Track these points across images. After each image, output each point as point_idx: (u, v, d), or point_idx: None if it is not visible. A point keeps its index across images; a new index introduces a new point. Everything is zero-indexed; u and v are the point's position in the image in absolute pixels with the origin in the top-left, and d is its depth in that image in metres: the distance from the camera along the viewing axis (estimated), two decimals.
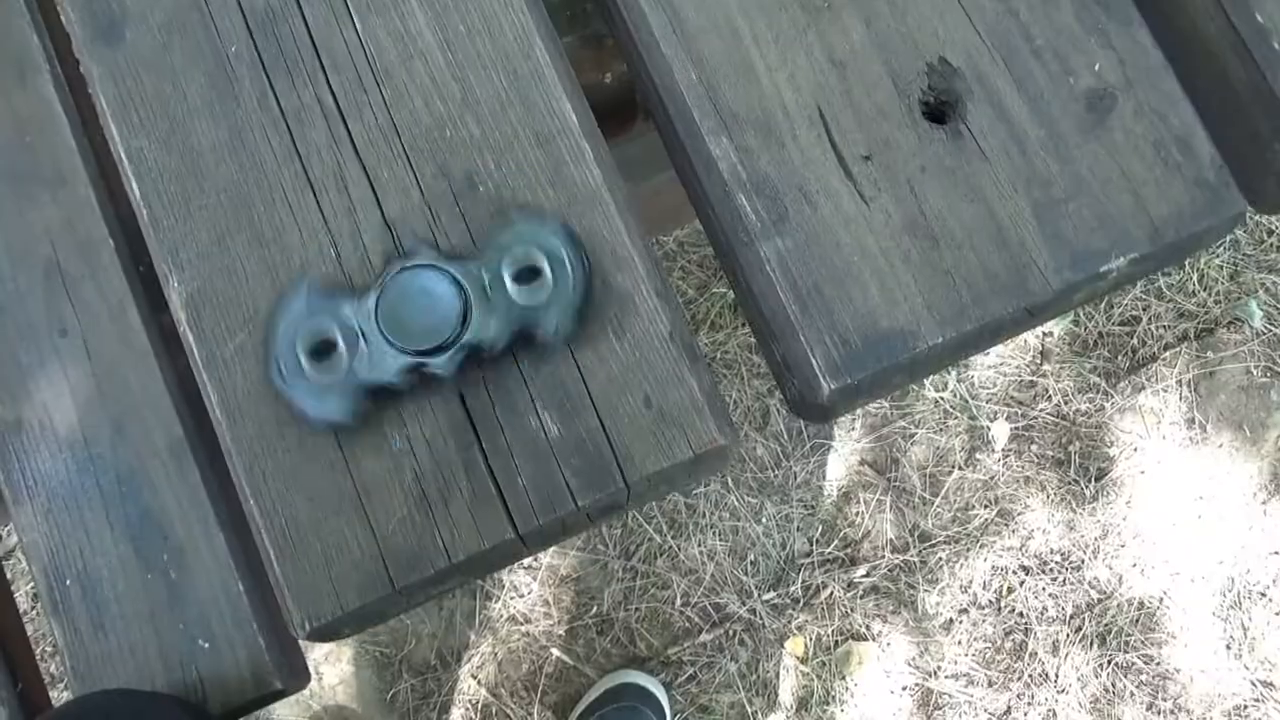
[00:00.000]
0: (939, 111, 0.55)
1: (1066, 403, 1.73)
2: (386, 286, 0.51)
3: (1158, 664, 1.64)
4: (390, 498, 0.52)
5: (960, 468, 1.72)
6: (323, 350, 0.51)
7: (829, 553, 1.71)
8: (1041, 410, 1.73)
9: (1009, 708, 1.64)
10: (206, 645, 0.55)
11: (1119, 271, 0.52)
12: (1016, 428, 1.72)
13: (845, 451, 1.74)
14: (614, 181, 0.55)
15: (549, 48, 0.56)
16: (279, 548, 0.52)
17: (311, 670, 1.24)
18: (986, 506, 1.70)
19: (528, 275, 0.51)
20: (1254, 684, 1.63)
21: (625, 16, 0.57)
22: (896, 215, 0.53)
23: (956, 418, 1.74)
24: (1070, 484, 1.70)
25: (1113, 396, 1.72)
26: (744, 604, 1.69)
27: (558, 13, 0.59)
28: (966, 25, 0.55)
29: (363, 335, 0.51)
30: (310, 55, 0.56)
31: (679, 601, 1.69)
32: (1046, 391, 1.72)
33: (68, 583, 0.55)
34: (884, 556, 1.70)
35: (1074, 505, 1.70)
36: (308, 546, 0.52)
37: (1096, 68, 0.54)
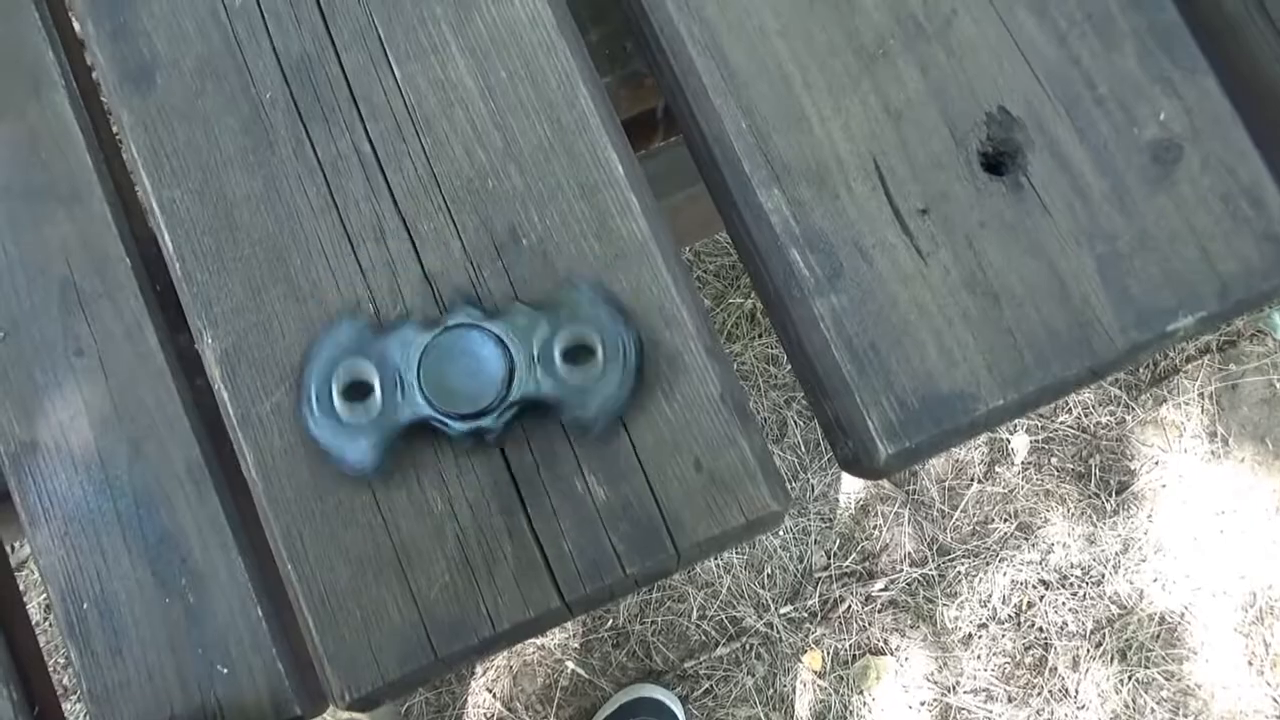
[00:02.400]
0: (998, 163, 0.53)
1: (1087, 415, 1.71)
2: (429, 348, 0.50)
3: (1179, 680, 1.62)
4: (432, 562, 0.50)
5: (979, 481, 1.70)
6: (358, 391, 0.50)
7: (846, 566, 1.70)
8: (1061, 423, 1.71)
9: None
10: (225, 670, 0.54)
11: (1186, 330, 0.51)
12: (1036, 440, 1.71)
13: None
14: (661, 234, 0.53)
15: (593, 94, 0.54)
16: (317, 614, 0.50)
17: None
18: (1006, 520, 1.69)
19: (579, 355, 0.50)
20: (1276, 700, 1.61)
21: (672, 63, 0.55)
22: (955, 271, 0.52)
23: None
24: (1091, 497, 1.68)
25: (1134, 409, 1.71)
26: (761, 618, 1.68)
27: (596, 52, 0.57)
28: (1026, 73, 0.53)
29: (400, 383, 0.50)
30: (348, 103, 0.54)
31: (695, 615, 1.68)
32: (1066, 403, 1.70)
33: (85, 606, 0.54)
34: (902, 570, 1.69)
35: (1094, 519, 1.68)
36: (347, 613, 0.50)
37: (1162, 117, 0.52)
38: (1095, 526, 1.68)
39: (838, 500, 1.73)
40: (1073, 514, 1.69)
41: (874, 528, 1.70)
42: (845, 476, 1.73)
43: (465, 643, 0.50)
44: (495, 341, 0.50)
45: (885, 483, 1.74)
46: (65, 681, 1.55)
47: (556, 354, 0.49)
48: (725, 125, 0.53)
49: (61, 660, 1.53)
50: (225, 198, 0.54)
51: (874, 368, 0.51)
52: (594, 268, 0.52)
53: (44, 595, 1.58)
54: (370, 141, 0.54)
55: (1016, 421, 1.72)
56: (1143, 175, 0.52)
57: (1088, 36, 0.54)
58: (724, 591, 1.70)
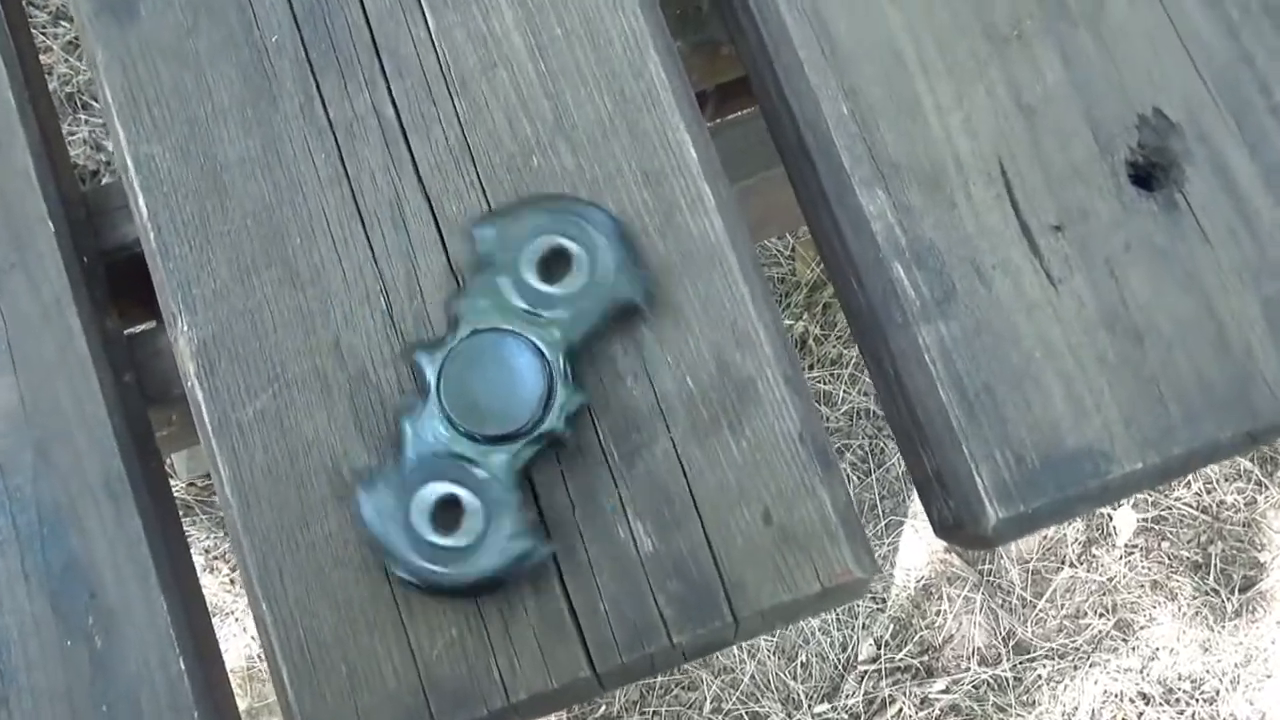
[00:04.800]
0: (1149, 175, 0.55)
1: (1209, 492, 1.72)
2: (454, 353, 0.51)
3: None
4: (438, 613, 0.52)
5: (1072, 564, 1.71)
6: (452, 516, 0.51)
7: (900, 659, 1.70)
8: (1178, 499, 1.72)
9: None
10: None
11: None
12: (1145, 519, 1.72)
13: (928, 535, 1.73)
14: (738, 235, 0.55)
15: (665, 62, 0.56)
16: (295, 667, 0.52)
17: None
18: (1102, 615, 1.69)
19: (556, 265, 0.51)
20: None
21: (760, 29, 0.57)
22: (1091, 303, 0.53)
23: None
24: (1208, 594, 1.69)
25: (1268, 489, 1.71)
26: (790, 717, 1.68)
27: (664, 11, 0.59)
28: (1189, 71, 0.55)
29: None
30: (369, 54, 0.56)
31: (708, 708, 1.68)
32: (1185, 476, 1.71)
33: None
34: (969, 669, 1.69)
35: (1211, 621, 1.69)
36: (331, 669, 0.51)
37: None
38: (1212, 631, 1.69)
39: (894, 576, 1.74)
40: (1185, 613, 1.69)
41: (937, 614, 1.71)
42: (905, 547, 1.74)
43: (472, 713, 0.51)
44: (533, 352, 0.51)
45: (955, 559, 1.75)
46: None
47: (533, 266, 0.51)
48: (823, 109, 0.55)
49: None
50: (215, 159, 0.56)
51: (987, 414, 0.52)
52: (654, 268, 0.54)
53: None
54: (393, 102, 0.56)
55: None
56: None
57: (1265, 32, 0.56)
58: (745, 681, 1.70)
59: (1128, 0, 0.56)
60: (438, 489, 0.50)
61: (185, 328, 0.54)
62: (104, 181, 1.76)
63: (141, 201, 0.55)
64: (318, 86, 0.56)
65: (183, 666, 0.54)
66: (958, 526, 0.54)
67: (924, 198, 0.54)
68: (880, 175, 0.54)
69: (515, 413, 0.51)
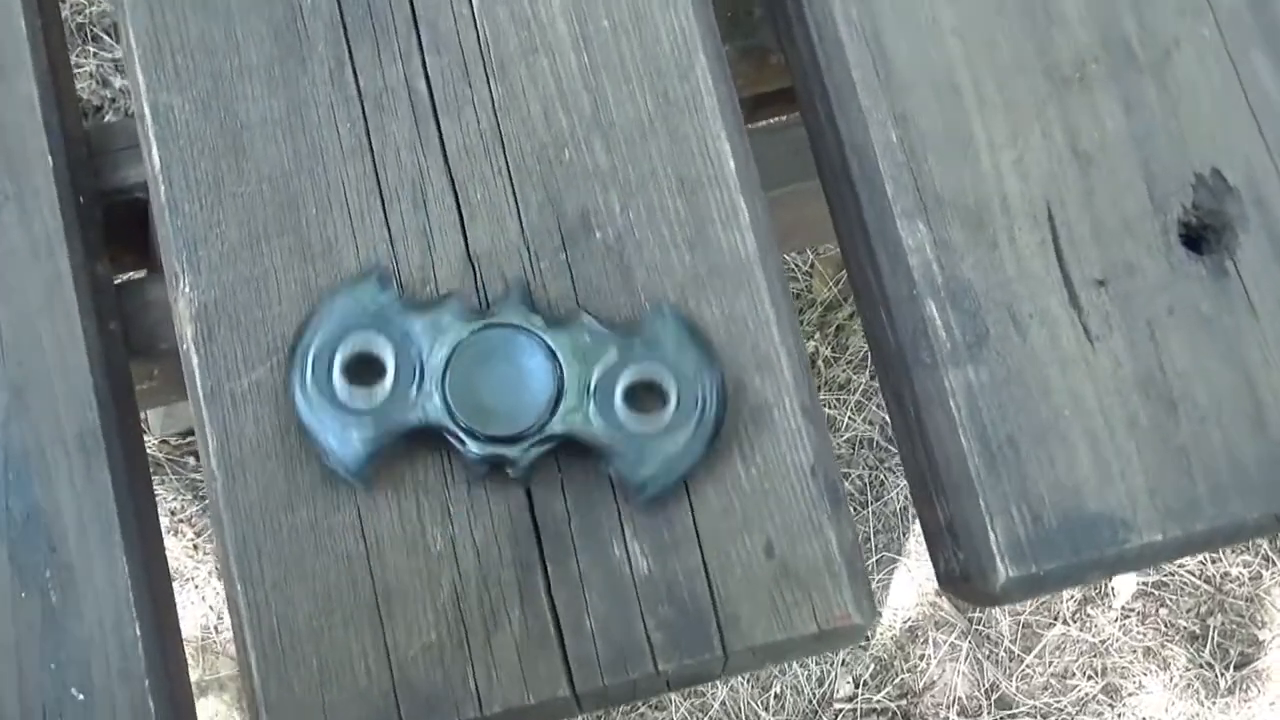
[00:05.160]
0: (1201, 238, 0.55)
1: (1213, 562, 1.72)
2: (464, 345, 0.51)
3: None
4: (419, 613, 0.52)
5: (1066, 621, 1.71)
6: (365, 369, 0.51)
7: (878, 701, 1.70)
8: (1180, 565, 1.72)
9: None
10: (81, 697, 0.54)
11: None
12: (1145, 583, 1.72)
13: (920, 575, 1.73)
14: (770, 254, 0.55)
15: (713, 67, 0.56)
16: (264, 654, 0.51)
17: None
18: (1090, 677, 1.69)
19: (645, 398, 0.51)
20: None
21: (815, 44, 0.57)
22: (1128, 364, 0.53)
23: None
24: (1202, 667, 1.69)
25: (1275, 565, 1.71)
26: None
27: (715, 12, 0.59)
28: (1254, 134, 0.55)
29: (419, 374, 0.51)
30: (407, 25, 0.56)
31: None
32: (1205, 552, 1.72)
33: None
34: (948, 718, 1.69)
35: (1203, 695, 1.69)
36: (302, 660, 0.51)
37: None
38: (1202, 705, 1.69)
39: (880, 615, 1.74)
40: (1177, 684, 1.69)
41: (921, 658, 1.71)
42: (896, 586, 1.73)
43: None
44: (547, 355, 0.51)
45: (945, 603, 1.75)
46: None
47: (618, 390, 0.51)
48: (871, 134, 0.55)
49: None
50: (236, 116, 0.55)
51: (1008, 467, 0.52)
52: (679, 282, 0.54)
53: None
54: (426, 77, 0.56)
55: None
56: None
57: None
58: (715, 708, 1.70)
59: (1197, 54, 0.56)
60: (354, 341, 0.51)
61: (187, 289, 0.54)
62: (108, 119, 1.76)
63: (155, 153, 0.55)
64: (350, 52, 0.56)
65: (138, 633, 0.54)
66: (964, 580, 0.54)
67: (966, 236, 0.54)
68: (923, 208, 0.54)
69: (518, 414, 0.51)
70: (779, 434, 0.53)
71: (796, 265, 1.77)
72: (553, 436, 0.51)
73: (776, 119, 0.86)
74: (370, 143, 0.55)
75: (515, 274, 0.54)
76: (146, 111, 0.55)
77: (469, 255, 0.54)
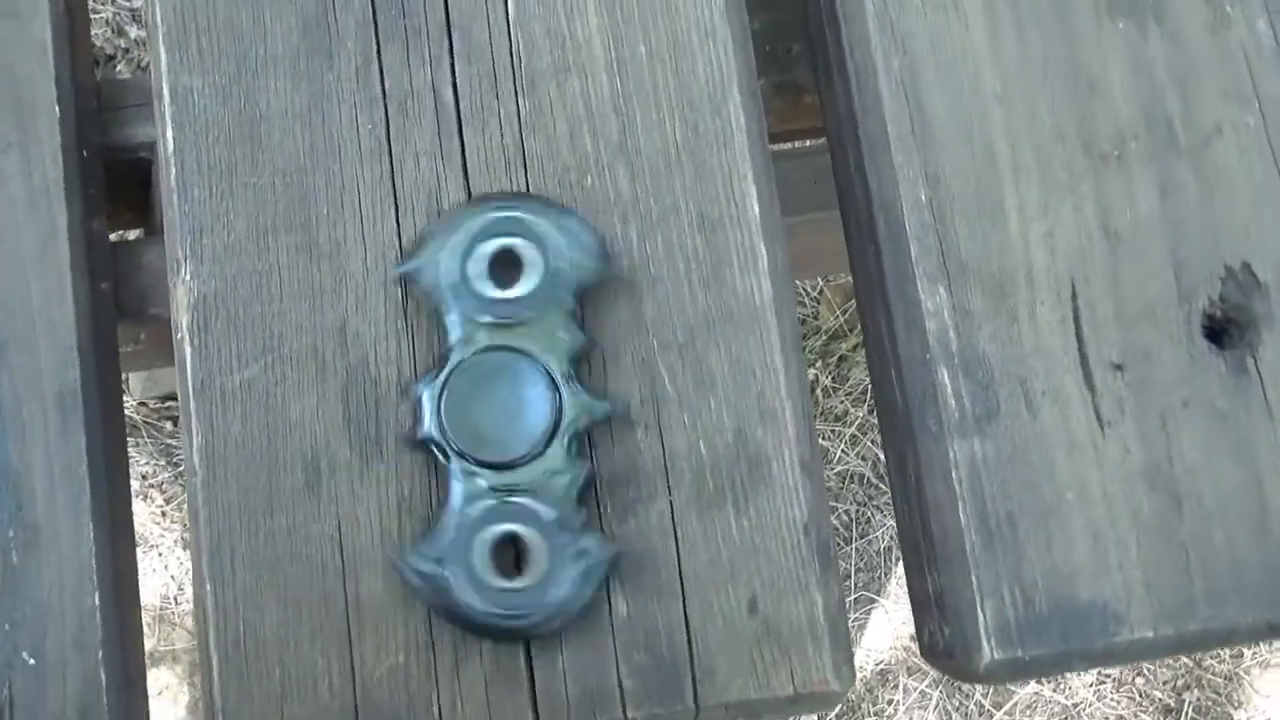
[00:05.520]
0: (1223, 331, 0.55)
1: None
2: (461, 368, 0.51)
3: None
4: (389, 634, 0.51)
5: (1040, 680, 1.71)
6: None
7: None
8: None
9: None
10: (32, 661, 0.54)
11: None
12: None
13: (897, 618, 1.74)
14: (785, 302, 0.54)
15: (747, 104, 0.56)
16: (225, 658, 0.51)
17: None
18: None
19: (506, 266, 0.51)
20: None
21: (853, 91, 0.57)
22: (1137, 453, 0.53)
23: None
24: None
25: (1257, 646, 1.72)
26: None
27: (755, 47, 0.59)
28: None
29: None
30: (440, 30, 0.56)
31: None
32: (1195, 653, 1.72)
33: None
34: None
35: None
36: (264, 670, 0.51)
37: None
38: None
39: (853, 655, 1.73)
40: None
41: (890, 703, 1.71)
42: (872, 627, 1.74)
43: None
44: (545, 381, 0.51)
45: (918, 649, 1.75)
46: None
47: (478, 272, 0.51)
48: (901, 191, 0.55)
49: None
50: (256, 106, 0.55)
51: (1004, 545, 0.52)
52: (690, 322, 0.54)
53: None
54: (454, 85, 0.55)
55: None
56: None
57: None
58: None
59: (1238, 143, 0.56)
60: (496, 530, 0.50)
61: (187, 277, 0.54)
62: (119, 69, 1.76)
63: (170, 134, 0.55)
64: (379, 52, 0.56)
65: (97, 602, 0.54)
66: (947, 655, 0.53)
67: (986, 305, 0.54)
68: (946, 272, 0.54)
69: (514, 441, 0.51)
70: (775, 488, 0.53)
71: (805, 291, 1.77)
72: (543, 465, 0.51)
73: (799, 143, 0.86)
74: (390, 146, 0.55)
75: None
76: (165, 91, 0.55)
77: None
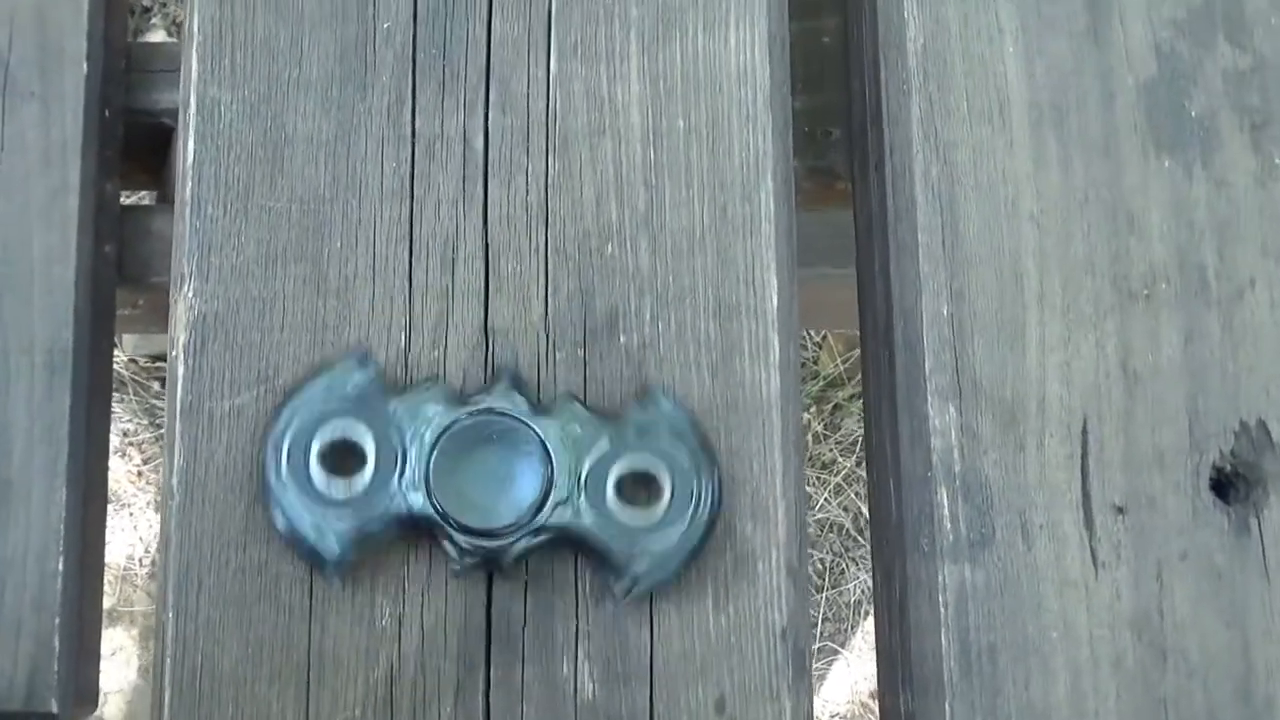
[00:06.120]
0: (1230, 485, 0.54)
1: None
2: (447, 435, 0.50)
3: None
4: (348, 685, 0.51)
5: None
6: (343, 459, 0.50)
7: None
8: None
9: None
10: None
11: None
12: None
13: (858, 673, 1.73)
14: (791, 398, 0.54)
15: (779, 193, 0.55)
16: (180, 693, 0.50)
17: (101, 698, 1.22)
18: None
19: (639, 491, 0.50)
20: None
21: (888, 192, 0.56)
22: (1128, 601, 0.52)
23: None
24: None
25: None
26: None
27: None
28: None
29: (402, 460, 0.50)
30: (479, 77, 0.55)
31: None
32: None
33: None
34: None
35: None
36: (218, 706, 0.50)
37: None
38: None
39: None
40: None
41: None
42: (832, 678, 1.73)
43: None
44: (537, 446, 0.50)
45: (876, 706, 1.74)
46: None
47: (610, 482, 0.50)
48: (923, 302, 0.54)
49: None
50: (283, 128, 0.54)
51: (983, 677, 0.51)
52: (693, 407, 0.53)
53: None
54: (486, 134, 0.55)
55: None
56: None
57: None
58: None
59: (1270, 300, 0.55)
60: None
61: (190, 294, 0.53)
62: (153, 23, 1.75)
63: (191, 146, 0.54)
64: (414, 90, 0.55)
65: (60, 567, 0.53)
66: None
67: (995, 430, 0.53)
68: (958, 391, 0.53)
69: (507, 507, 0.50)
70: (758, 588, 0.52)
71: (809, 335, 1.77)
72: (543, 529, 0.50)
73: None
74: (413, 188, 0.54)
75: (525, 355, 0.53)
76: (192, 101, 0.54)
77: (486, 327, 0.53)
